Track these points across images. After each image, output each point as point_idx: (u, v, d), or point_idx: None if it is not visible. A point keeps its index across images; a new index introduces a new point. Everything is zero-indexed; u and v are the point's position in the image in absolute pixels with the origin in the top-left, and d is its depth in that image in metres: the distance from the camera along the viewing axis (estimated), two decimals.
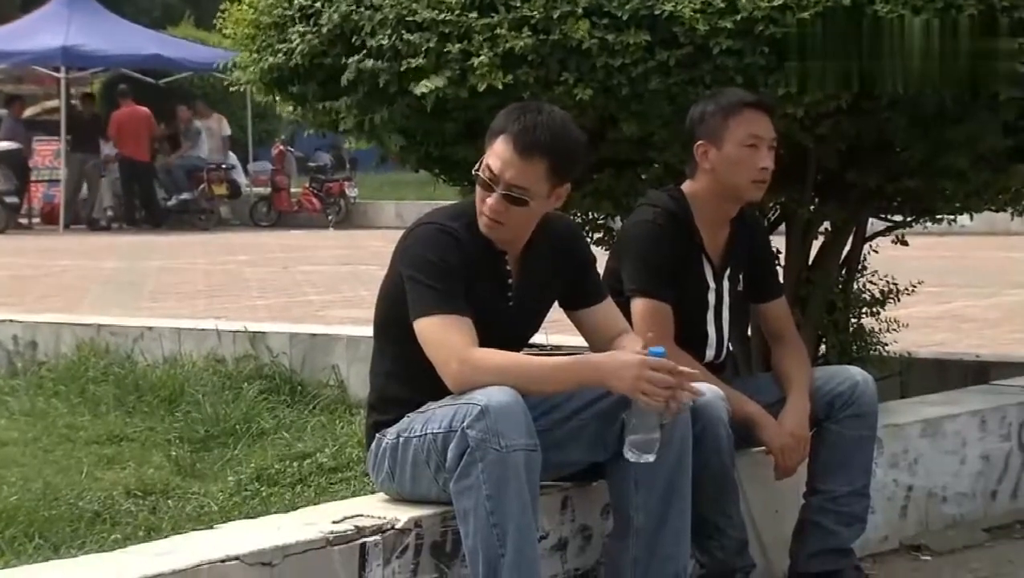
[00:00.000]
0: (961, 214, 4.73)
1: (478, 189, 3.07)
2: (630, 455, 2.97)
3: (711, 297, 3.56)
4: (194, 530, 3.25)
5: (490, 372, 2.94)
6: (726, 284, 3.58)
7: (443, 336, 2.97)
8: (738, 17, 3.70)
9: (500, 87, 3.76)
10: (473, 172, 3.11)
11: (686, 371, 2.96)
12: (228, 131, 19.24)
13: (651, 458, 2.96)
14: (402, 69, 3.95)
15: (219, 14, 4.63)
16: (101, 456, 4.69)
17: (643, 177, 4.28)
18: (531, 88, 3.83)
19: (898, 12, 3.65)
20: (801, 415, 3.47)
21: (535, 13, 3.83)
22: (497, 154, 3.03)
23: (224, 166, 19.02)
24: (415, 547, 3.01)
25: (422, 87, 3.88)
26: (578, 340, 3.43)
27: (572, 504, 3.30)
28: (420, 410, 3.06)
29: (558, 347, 4.54)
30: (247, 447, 4.77)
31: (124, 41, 18.99)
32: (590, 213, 4.61)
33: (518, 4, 3.86)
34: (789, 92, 3.74)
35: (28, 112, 20.53)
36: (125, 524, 3.87)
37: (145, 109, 18.61)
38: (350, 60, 4.03)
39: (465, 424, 2.88)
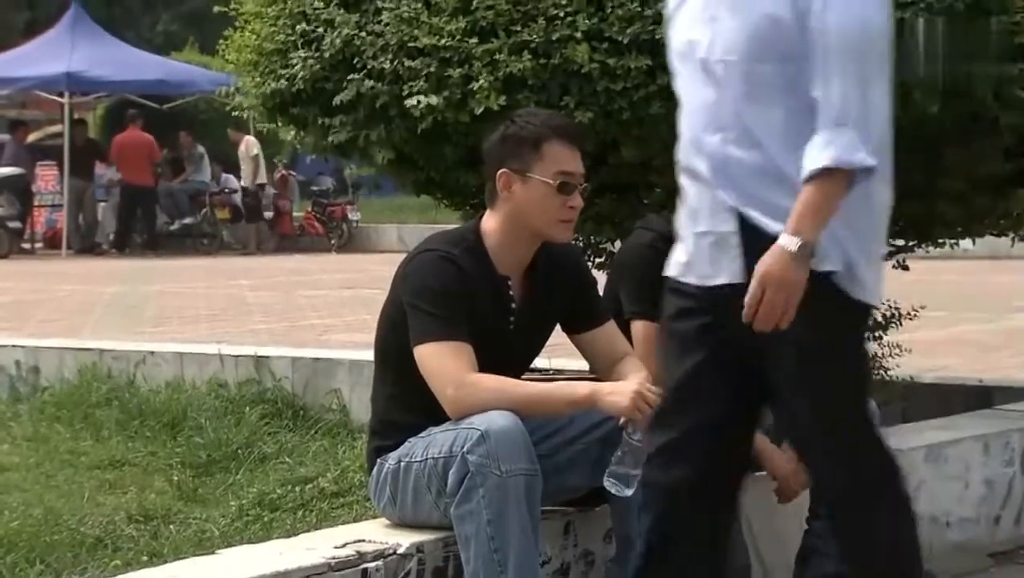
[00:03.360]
0: (963, 238, 4.74)
1: (553, 198, 3.06)
2: (609, 485, 2.97)
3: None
4: (196, 555, 3.25)
5: (486, 397, 2.95)
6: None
7: (441, 362, 2.98)
8: None
9: (496, 108, 3.78)
10: (499, 190, 3.10)
11: None
12: (255, 152, 19.14)
13: (628, 493, 2.97)
14: (404, 93, 3.96)
15: (222, 40, 4.64)
16: (103, 481, 4.68)
17: (645, 201, 4.28)
18: None
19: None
20: None
21: (535, 37, 3.84)
22: (565, 157, 3.08)
23: (234, 187, 19.05)
24: (417, 572, 3.00)
25: (414, 100, 3.89)
26: (580, 363, 3.43)
27: (574, 529, 3.29)
28: (421, 435, 3.06)
29: (560, 371, 4.54)
30: (249, 472, 4.76)
31: (127, 66, 19.03)
32: (591, 237, 4.62)
33: (518, 28, 3.88)
34: None
35: (32, 137, 20.57)
36: (127, 549, 3.86)
37: (147, 135, 18.61)
38: (350, 78, 4.05)
39: (465, 449, 2.89)
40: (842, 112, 2.62)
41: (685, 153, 2.78)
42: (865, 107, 2.64)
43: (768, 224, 2.64)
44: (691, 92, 2.76)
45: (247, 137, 18.70)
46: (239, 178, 19.27)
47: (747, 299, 2.60)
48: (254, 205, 18.92)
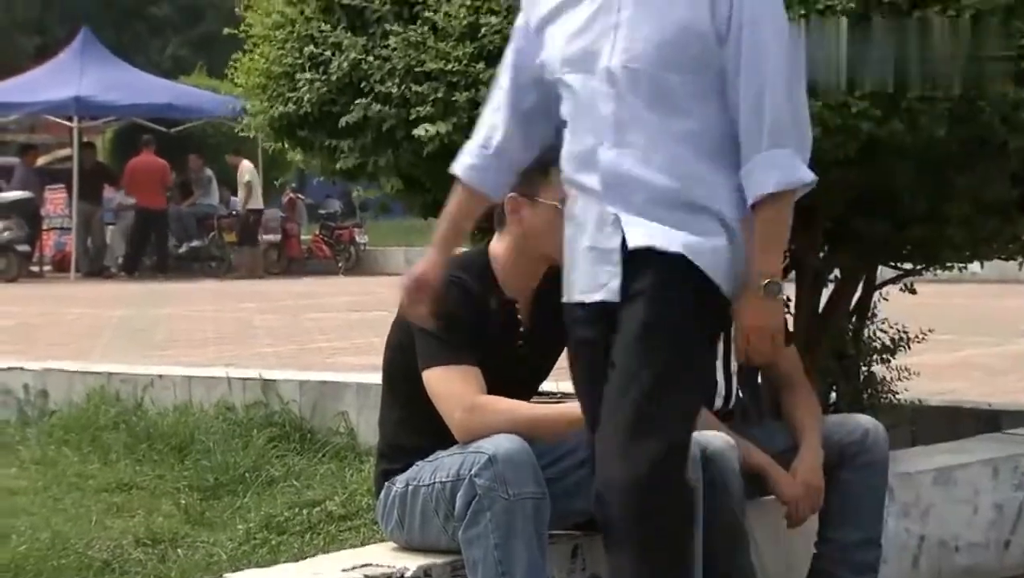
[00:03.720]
0: (971, 262, 4.73)
1: (558, 217, 3.05)
2: None
3: (719, 346, 3.55)
4: None
5: (494, 420, 2.95)
6: (733, 333, 3.57)
7: (449, 386, 2.99)
8: None
9: None
10: (508, 214, 3.12)
11: None
12: (247, 178, 19.15)
13: None
14: (411, 117, 3.97)
15: (231, 64, 4.66)
16: (111, 504, 4.68)
17: None
18: None
19: None
20: (814, 463, 3.46)
21: None
22: None
23: (234, 212, 19.06)
24: None
25: (422, 129, 3.90)
26: None
27: (582, 553, 3.28)
28: (429, 458, 3.06)
29: (568, 394, 4.53)
30: (256, 495, 4.76)
31: (136, 90, 19.12)
32: None
33: None
34: None
35: (40, 161, 20.64)
36: (134, 573, 3.86)
37: (161, 160, 18.65)
38: (357, 102, 4.06)
39: (473, 472, 2.89)
40: (777, 131, 2.59)
41: (573, 166, 2.69)
42: (798, 121, 2.62)
43: (659, 241, 2.57)
44: (583, 103, 2.65)
45: (243, 162, 18.71)
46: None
47: (737, 347, 2.59)
48: (246, 230, 18.85)
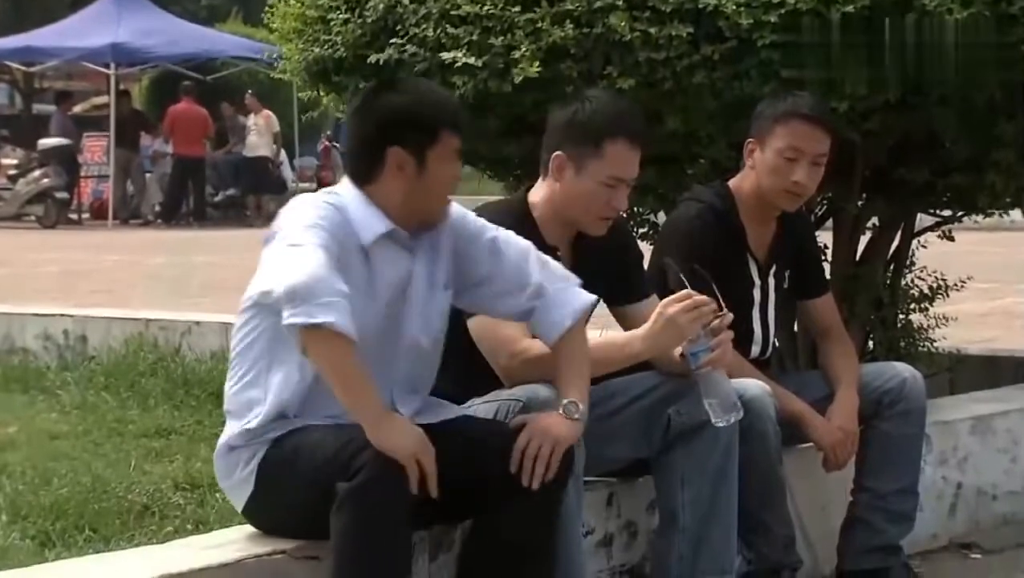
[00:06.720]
0: (1011, 209, 4.68)
1: (599, 195, 3.06)
2: (717, 421, 2.99)
3: (756, 294, 3.54)
4: (241, 523, 3.27)
5: (540, 362, 2.94)
6: (771, 281, 3.56)
7: (493, 332, 2.99)
8: (783, 11, 3.67)
9: (536, 76, 3.75)
10: (552, 170, 3.10)
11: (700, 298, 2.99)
12: (276, 128, 19.10)
13: (733, 418, 2.98)
14: (445, 62, 3.95)
15: (266, 9, 4.65)
16: (150, 449, 4.72)
17: (689, 172, 4.26)
18: (575, 82, 3.82)
19: (947, 6, 3.61)
20: (850, 410, 3.46)
21: (577, 7, 3.82)
22: (622, 161, 3.06)
23: (274, 162, 19.02)
24: (460, 544, 3.01)
25: (451, 55, 3.86)
26: None
27: (617, 500, 3.29)
28: (464, 406, 3.06)
29: None
30: None
31: (173, 37, 19.10)
32: (634, 208, 4.60)
33: None
34: (834, 86, 3.71)
35: (77, 109, 20.69)
36: (173, 517, 3.90)
37: (202, 109, 18.56)
38: (391, 42, 4.03)
39: (508, 419, 2.88)
40: None
41: None
42: None
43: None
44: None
45: (266, 112, 18.58)
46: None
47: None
48: (265, 177, 18.72)
